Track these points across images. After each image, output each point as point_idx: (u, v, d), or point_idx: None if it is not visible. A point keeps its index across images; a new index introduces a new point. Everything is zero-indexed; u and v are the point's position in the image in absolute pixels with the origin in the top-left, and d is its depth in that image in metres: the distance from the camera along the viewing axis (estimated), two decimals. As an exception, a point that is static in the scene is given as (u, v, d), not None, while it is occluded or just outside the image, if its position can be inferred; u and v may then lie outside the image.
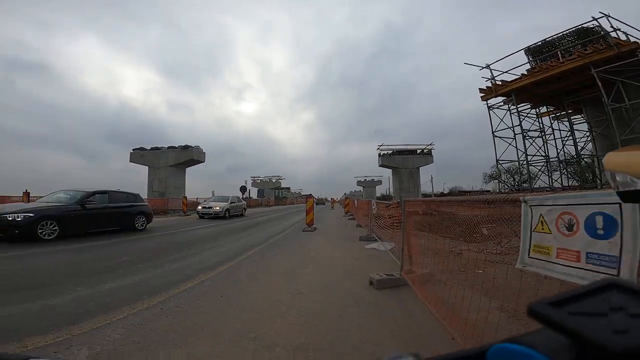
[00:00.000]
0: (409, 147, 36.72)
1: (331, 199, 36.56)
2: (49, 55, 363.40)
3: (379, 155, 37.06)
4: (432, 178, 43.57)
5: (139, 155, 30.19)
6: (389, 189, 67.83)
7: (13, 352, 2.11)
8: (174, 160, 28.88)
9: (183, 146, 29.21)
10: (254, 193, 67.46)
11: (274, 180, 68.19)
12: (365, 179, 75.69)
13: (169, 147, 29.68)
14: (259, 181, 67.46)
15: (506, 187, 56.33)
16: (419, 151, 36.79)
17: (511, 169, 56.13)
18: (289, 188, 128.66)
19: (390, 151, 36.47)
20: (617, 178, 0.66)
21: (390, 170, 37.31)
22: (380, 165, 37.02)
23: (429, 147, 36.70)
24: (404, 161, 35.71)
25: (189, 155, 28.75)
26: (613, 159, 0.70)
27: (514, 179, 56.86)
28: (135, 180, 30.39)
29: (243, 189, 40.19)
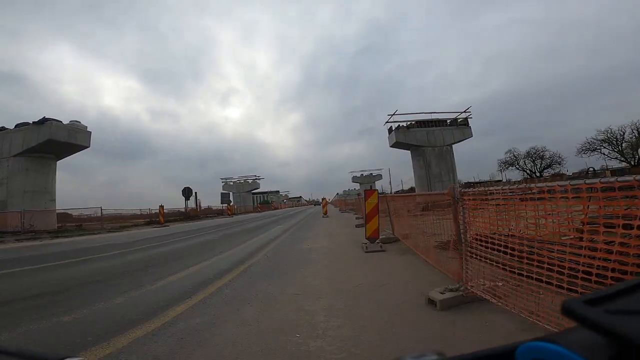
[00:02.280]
0: (435, 117, 24.11)
1: (322, 199, 23.35)
2: (22, 66, 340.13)
3: (390, 130, 24.39)
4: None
5: (-31, 142, 16.70)
6: (390, 182, 55.41)
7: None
8: (21, 145, 15.55)
9: (38, 121, 15.85)
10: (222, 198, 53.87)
11: (250, 181, 54.69)
12: (362, 174, 63.17)
13: (17, 126, 16.32)
14: (231, 183, 53.83)
15: (526, 174, 44.71)
16: (449, 121, 24.28)
17: (531, 152, 44.52)
18: (277, 191, 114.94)
19: (408, 122, 23.82)
20: None
21: (409, 151, 24.59)
22: (392, 145, 24.28)
23: (465, 114, 24.23)
24: (429, 136, 23.10)
25: (46, 135, 15.36)
26: None
27: (534, 164, 45.25)
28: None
29: (187, 192, 27.04)
